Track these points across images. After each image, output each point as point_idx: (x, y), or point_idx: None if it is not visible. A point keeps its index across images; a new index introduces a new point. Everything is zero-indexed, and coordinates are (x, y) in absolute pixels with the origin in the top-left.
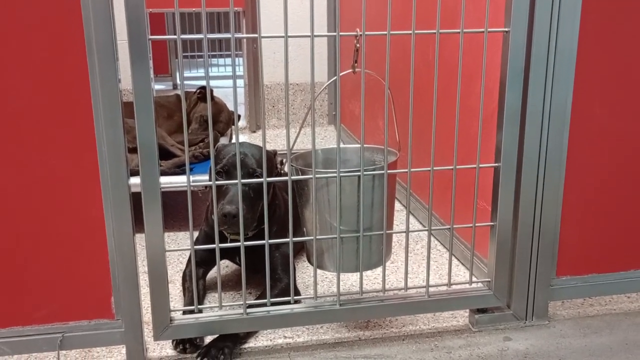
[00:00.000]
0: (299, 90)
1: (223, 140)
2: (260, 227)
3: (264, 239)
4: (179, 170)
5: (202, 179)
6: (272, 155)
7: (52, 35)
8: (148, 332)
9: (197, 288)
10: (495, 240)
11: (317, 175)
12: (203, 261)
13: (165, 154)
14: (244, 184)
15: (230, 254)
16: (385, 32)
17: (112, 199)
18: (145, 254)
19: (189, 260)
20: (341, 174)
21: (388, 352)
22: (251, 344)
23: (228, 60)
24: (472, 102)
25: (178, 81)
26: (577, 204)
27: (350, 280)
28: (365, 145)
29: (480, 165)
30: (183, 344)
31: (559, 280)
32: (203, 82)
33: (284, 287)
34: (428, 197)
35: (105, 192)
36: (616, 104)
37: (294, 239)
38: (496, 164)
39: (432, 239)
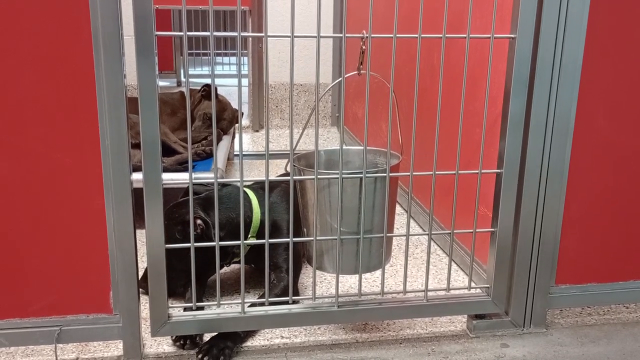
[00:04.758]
0: (303, 91)
1: (226, 139)
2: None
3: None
4: (181, 167)
5: (203, 176)
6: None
7: (59, 29)
8: (145, 327)
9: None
10: (495, 246)
11: (319, 176)
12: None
13: (167, 150)
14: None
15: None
16: (391, 35)
17: (113, 194)
18: (145, 249)
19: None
20: (343, 176)
21: (385, 355)
22: (248, 343)
23: (233, 59)
24: (476, 108)
25: (182, 78)
26: (578, 212)
27: (349, 282)
28: (368, 148)
29: (483, 171)
30: (183, 340)
31: (557, 288)
32: (207, 80)
33: (286, 286)
34: (429, 201)
35: (107, 186)
36: (620, 115)
37: (295, 239)
38: (498, 171)
39: (432, 243)
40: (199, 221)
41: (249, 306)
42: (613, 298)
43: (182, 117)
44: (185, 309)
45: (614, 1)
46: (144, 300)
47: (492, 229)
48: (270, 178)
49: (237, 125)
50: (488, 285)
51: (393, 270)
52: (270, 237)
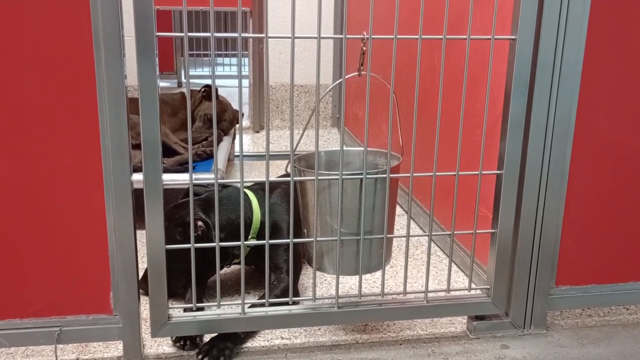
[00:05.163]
0: (304, 92)
1: (226, 139)
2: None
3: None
4: (181, 168)
5: (204, 177)
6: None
7: (59, 29)
8: (146, 328)
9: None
10: (496, 247)
11: (319, 177)
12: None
13: (168, 151)
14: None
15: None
16: (391, 36)
17: (114, 195)
18: (145, 250)
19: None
20: (343, 177)
21: (385, 357)
22: (248, 344)
23: (233, 60)
24: (477, 109)
25: (183, 79)
26: (578, 213)
27: (349, 283)
28: (368, 149)
29: (483, 172)
30: (183, 341)
31: (558, 289)
32: (208, 81)
33: (286, 287)
34: (429, 202)
35: (107, 187)
36: (621, 116)
37: (295, 239)
38: (499, 172)
39: (432, 244)
40: (199, 223)
41: (249, 307)
42: (613, 299)
43: (183, 117)
44: (185, 310)
45: (614, 2)
46: (144, 301)
47: (493, 230)
48: (270, 179)
49: (237, 126)
50: (488, 287)
51: (393, 271)
52: (271, 238)
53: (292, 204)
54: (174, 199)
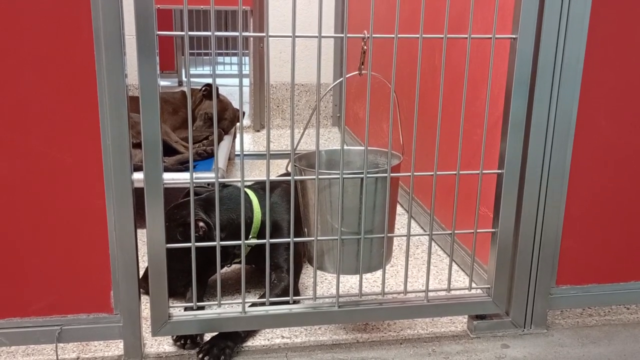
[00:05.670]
0: (304, 91)
1: (227, 138)
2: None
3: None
4: (182, 167)
5: (204, 176)
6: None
7: (60, 28)
8: (146, 327)
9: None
10: (496, 247)
11: (319, 177)
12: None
13: (168, 150)
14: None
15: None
16: (392, 35)
17: (114, 194)
18: (145, 249)
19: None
20: (344, 176)
21: (385, 356)
22: (249, 343)
23: (234, 59)
24: (477, 108)
25: (184, 78)
26: (579, 213)
27: (349, 283)
28: (369, 148)
29: (484, 172)
30: (183, 339)
31: (558, 289)
32: (208, 80)
33: (286, 287)
34: (430, 201)
35: (108, 186)
36: (621, 115)
37: (295, 239)
38: (499, 171)
39: (433, 244)
40: (201, 223)
41: (250, 306)
42: (614, 299)
43: (184, 116)
44: (185, 309)
45: (615, 2)
46: (145, 300)
47: (493, 230)
48: (270, 178)
49: (238, 125)
50: (489, 286)
51: (394, 270)
52: (271, 237)
53: (293, 203)
54: (175, 198)
